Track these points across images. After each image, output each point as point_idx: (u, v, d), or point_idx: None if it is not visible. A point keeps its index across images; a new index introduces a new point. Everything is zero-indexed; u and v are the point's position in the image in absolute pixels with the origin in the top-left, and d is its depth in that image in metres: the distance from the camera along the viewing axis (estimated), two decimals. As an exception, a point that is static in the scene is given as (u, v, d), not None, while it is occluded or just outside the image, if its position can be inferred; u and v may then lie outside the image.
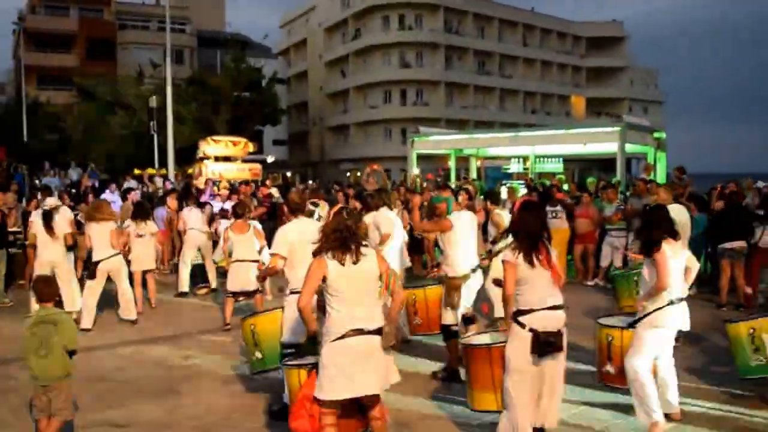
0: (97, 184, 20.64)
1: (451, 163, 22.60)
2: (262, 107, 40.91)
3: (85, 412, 5.82)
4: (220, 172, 24.38)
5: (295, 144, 63.50)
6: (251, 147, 26.94)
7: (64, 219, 9.75)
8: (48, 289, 5.13)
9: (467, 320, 6.79)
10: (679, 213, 8.36)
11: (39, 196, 12.32)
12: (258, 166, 26.91)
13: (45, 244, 9.44)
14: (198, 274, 12.13)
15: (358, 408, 4.67)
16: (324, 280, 4.53)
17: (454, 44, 58.20)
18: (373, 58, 58.40)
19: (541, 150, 19.52)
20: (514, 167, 22.10)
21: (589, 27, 68.13)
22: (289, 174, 50.24)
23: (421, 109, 56.02)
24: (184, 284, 11.81)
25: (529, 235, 4.87)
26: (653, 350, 5.35)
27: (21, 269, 12.09)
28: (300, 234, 5.80)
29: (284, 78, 61.16)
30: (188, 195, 14.00)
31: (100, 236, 9.24)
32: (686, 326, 5.46)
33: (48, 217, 9.47)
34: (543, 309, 4.77)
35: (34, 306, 9.05)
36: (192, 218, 12.19)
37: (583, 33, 67.58)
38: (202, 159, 25.52)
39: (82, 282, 9.92)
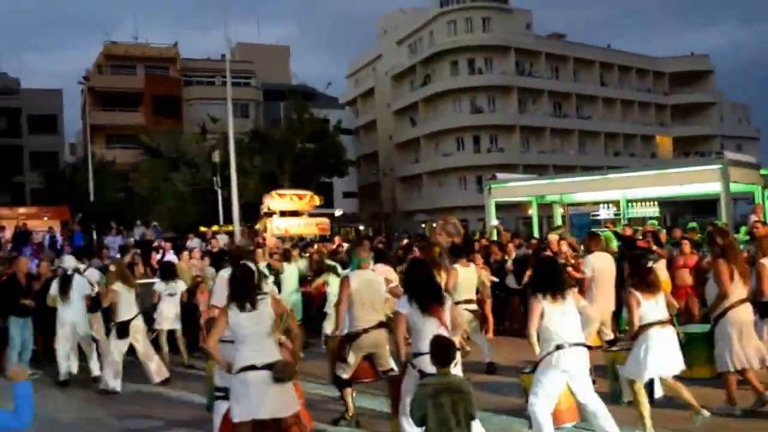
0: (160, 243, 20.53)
1: (533, 212, 21.20)
2: (327, 158, 39.61)
3: None
4: (286, 227, 22.86)
5: (366, 196, 61.80)
6: (317, 200, 25.21)
7: (82, 282, 10.21)
8: (447, 352, 4.79)
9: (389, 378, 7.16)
10: (600, 260, 9.06)
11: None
12: (326, 221, 25.32)
13: (64, 306, 9.94)
14: None
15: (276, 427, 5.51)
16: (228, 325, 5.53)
17: (527, 86, 56.18)
18: (444, 104, 56.71)
19: (632, 194, 18.25)
20: (603, 213, 20.82)
21: (671, 62, 64.70)
22: (361, 227, 48.53)
23: (496, 155, 53.56)
24: None
25: (421, 288, 5.80)
26: (548, 390, 5.79)
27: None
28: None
29: (352, 129, 59.77)
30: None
31: (126, 296, 9.61)
32: (580, 368, 5.82)
33: (64, 281, 10.03)
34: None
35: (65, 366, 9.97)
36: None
37: (665, 68, 64.31)
38: (267, 214, 23.73)
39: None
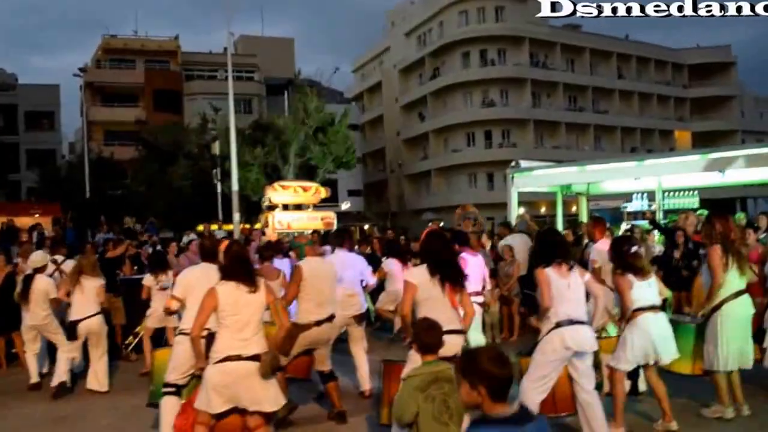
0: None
1: (558, 202, 19.38)
2: (333, 150, 37.99)
3: None
4: (289, 221, 21.26)
5: (372, 194, 60.10)
6: (324, 192, 23.24)
7: (46, 282, 9.16)
8: (435, 336, 4.30)
9: (325, 377, 6.86)
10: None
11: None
12: (332, 215, 23.63)
13: (26, 309, 9.04)
14: None
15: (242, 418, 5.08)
16: (216, 309, 5.01)
17: (541, 79, 54.36)
18: (454, 98, 54.88)
19: (667, 183, 16.51)
20: (636, 204, 19.49)
21: (691, 54, 62.66)
22: (366, 226, 46.81)
23: (508, 150, 51.13)
24: None
25: (437, 261, 5.30)
26: (544, 372, 5.49)
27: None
28: (202, 277, 5.89)
29: (358, 124, 57.88)
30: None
31: (81, 293, 8.63)
32: (584, 347, 5.52)
33: (26, 282, 9.06)
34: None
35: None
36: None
37: (685, 60, 62.27)
38: (269, 208, 22.28)
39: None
